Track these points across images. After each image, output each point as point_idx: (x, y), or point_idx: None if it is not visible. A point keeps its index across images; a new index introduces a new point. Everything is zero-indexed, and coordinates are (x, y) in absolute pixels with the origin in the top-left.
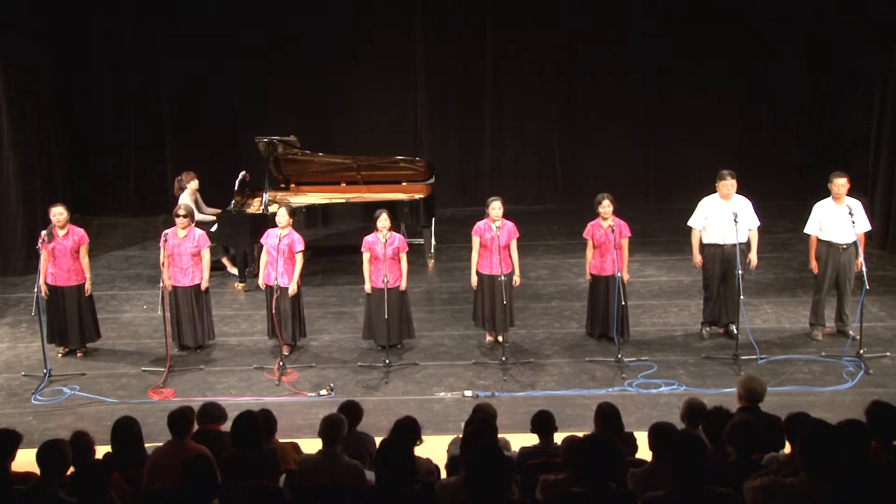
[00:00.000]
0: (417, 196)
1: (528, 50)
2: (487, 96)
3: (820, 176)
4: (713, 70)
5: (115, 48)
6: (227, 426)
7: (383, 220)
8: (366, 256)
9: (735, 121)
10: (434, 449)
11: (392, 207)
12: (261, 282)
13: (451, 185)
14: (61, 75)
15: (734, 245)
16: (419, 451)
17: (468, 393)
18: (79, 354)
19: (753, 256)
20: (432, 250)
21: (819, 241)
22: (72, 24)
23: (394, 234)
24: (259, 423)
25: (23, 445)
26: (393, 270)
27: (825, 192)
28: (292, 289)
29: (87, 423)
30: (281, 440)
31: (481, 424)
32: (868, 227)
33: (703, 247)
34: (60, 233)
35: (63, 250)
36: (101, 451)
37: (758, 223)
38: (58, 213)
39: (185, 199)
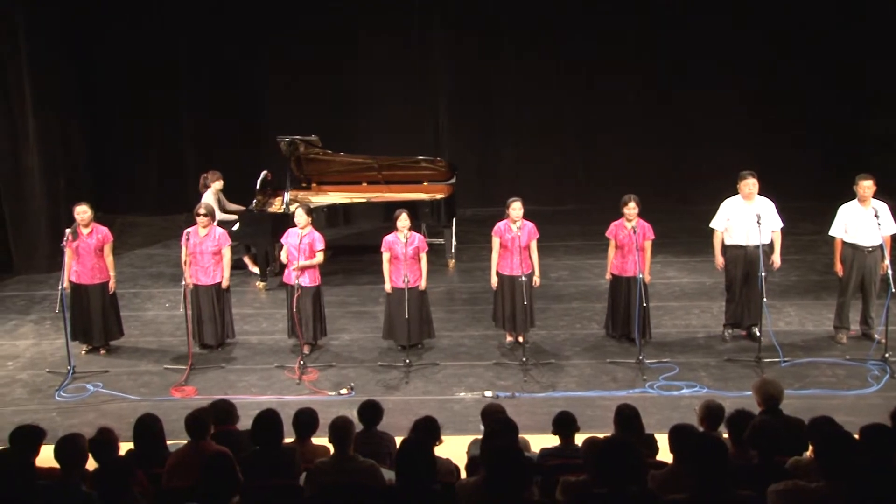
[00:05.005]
0: (438, 196)
1: (547, 49)
2: (507, 96)
3: (845, 177)
4: (735, 70)
5: (137, 48)
6: (240, 425)
7: (403, 220)
8: (385, 256)
9: (758, 121)
10: (454, 449)
11: (413, 207)
12: (288, 261)
13: (471, 185)
14: (84, 74)
15: (757, 247)
16: (439, 451)
17: (488, 393)
18: (102, 352)
19: (776, 258)
20: (453, 250)
21: (844, 243)
22: (95, 23)
23: (414, 233)
24: (280, 422)
25: (46, 441)
26: (413, 270)
27: (850, 194)
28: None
29: (109, 419)
30: (314, 441)
31: (502, 424)
32: (894, 230)
33: (725, 248)
34: (84, 231)
35: (87, 248)
36: (124, 447)
37: (781, 224)
38: (81, 211)
39: (208, 197)
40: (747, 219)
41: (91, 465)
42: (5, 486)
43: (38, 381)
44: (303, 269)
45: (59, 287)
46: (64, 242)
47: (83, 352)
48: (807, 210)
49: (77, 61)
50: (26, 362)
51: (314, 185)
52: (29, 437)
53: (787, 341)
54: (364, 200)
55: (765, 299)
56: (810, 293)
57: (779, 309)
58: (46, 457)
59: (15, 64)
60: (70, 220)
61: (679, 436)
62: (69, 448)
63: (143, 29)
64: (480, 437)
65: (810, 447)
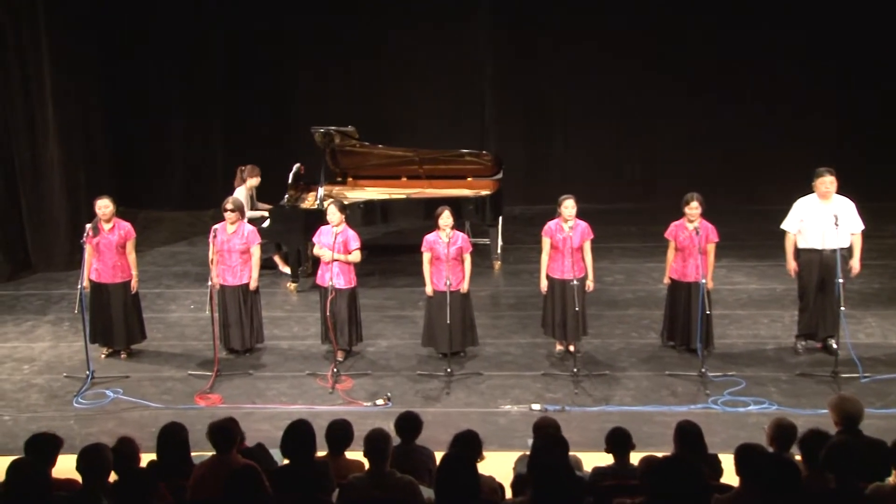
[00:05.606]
0: (483, 192)
1: (602, 42)
2: (559, 87)
3: None
4: (809, 62)
5: (163, 37)
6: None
7: (445, 218)
8: (426, 257)
9: (834, 115)
10: (498, 466)
11: (456, 204)
12: (325, 252)
13: (518, 181)
14: (107, 65)
15: (834, 251)
16: (482, 467)
17: (536, 406)
18: (123, 356)
19: (856, 263)
20: (499, 251)
21: None
22: (119, 12)
23: (456, 232)
24: (312, 434)
25: (64, 451)
26: (455, 272)
27: None
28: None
29: (130, 428)
30: (348, 455)
31: (551, 440)
32: None
33: (798, 252)
34: (106, 227)
35: (108, 245)
36: (145, 458)
37: (861, 227)
38: (103, 205)
39: (240, 193)
40: (823, 220)
41: (111, 476)
42: (20, 498)
43: (55, 387)
44: (337, 262)
45: (79, 286)
46: (84, 238)
47: (103, 355)
48: (891, 211)
49: (100, 50)
50: (43, 366)
51: (350, 179)
52: (45, 446)
53: (867, 355)
54: (403, 196)
55: (842, 308)
56: (894, 302)
57: (858, 319)
58: (63, 467)
59: (35, 53)
60: (91, 215)
61: (746, 456)
62: (93, 459)
63: (170, 18)
64: (528, 453)
65: (893, 472)
